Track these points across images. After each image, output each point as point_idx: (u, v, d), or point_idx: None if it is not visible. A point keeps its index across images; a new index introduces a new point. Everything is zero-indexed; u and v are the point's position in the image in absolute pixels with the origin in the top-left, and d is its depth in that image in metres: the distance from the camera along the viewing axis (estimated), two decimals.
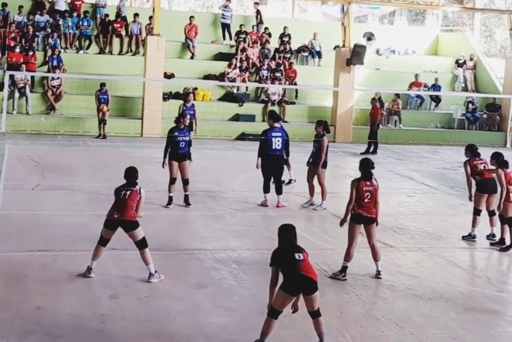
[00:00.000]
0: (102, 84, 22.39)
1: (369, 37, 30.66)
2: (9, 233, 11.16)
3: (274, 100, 25.97)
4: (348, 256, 9.91)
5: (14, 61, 23.93)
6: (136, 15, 27.13)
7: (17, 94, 23.30)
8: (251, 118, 25.33)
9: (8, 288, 8.78)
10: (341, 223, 10.08)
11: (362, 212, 9.81)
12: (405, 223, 13.41)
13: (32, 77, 24.11)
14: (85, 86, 24.63)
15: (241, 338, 7.73)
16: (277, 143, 14.23)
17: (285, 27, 28.91)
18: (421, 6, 32.31)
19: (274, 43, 28.69)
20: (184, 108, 18.55)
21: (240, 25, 28.73)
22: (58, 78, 23.85)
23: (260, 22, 29.45)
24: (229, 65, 26.45)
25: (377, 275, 9.98)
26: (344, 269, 9.89)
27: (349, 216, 9.93)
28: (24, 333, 7.47)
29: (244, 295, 9.01)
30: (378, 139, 23.04)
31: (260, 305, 8.58)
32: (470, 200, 12.48)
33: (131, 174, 9.47)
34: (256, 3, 30.65)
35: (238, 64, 26.69)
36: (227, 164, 18.90)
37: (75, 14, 26.85)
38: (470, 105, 28.12)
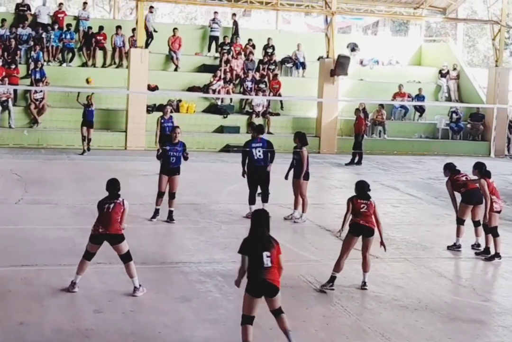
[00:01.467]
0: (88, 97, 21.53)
1: (353, 48, 30.81)
2: None
3: (259, 111, 26.01)
4: (338, 267, 9.84)
5: None
6: (118, 27, 27.12)
7: None
8: (235, 130, 25.33)
9: None
10: (339, 232, 10.04)
11: (359, 220, 9.76)
12: (390, 233, 13.38)
13: (15, 90, 24.04)
14: (69, 99, 24.53)
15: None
16: (258, 153, 14.17)
17: (269, 39, 29.02)
18: (404, 17, 32.52)
19: (258, 55, 28.75)
20: (162, 120, 18.46)
21: (224, 37, 28.80)
22: (41, 91, 23.78)
23: (235, 33, 29.40)
24: (213, 77, 26.47)
25: (363, 286, 9.92)
26: (332, 279, 9.83)
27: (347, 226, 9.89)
28: None
29: (230, 307, 8.96)
30: (362, 149, 23.08)
31: None
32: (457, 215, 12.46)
33: (113, 186, 9.40)
34: (234, 14, 30.68)
35: (222, 76, 26.72)
36: (212, 177, 18.86)
37: (57, 27, 26.80)
38: (454, 115, 28.26)
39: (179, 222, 13.57)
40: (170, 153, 13.35)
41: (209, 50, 29.24)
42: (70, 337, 7.79)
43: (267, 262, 7.34)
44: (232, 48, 28.49)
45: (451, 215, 15.48)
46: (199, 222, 13.76)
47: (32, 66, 24.93)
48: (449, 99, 30.62)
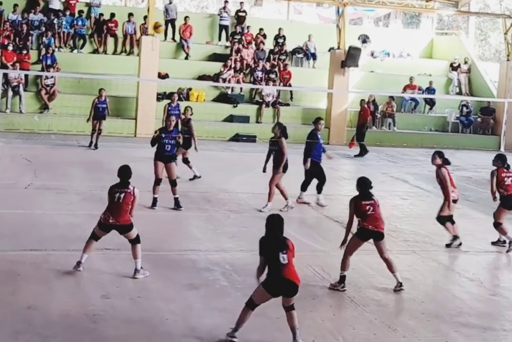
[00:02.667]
0: (101, 90, 20.61)
1: (364, 39, 30.67)
2: (1, 232, 11.10)
3: (269, 101, 25.96)
4: (344, 266, 9.57)
5: (7, 59, 23.87)
6: (130, 14, 27.08)
7: (10, 93, 23.24)
8: (245, 119, 25.30)
9: None
10: (342, 245, 9.69)
11: (367, 225, 9.46)
12: (398, 225, 13.39)
13: (26, 76, 24.04)
14: (79, 85, 24.61)
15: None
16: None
17: (280, 29, 28.91)
18: (416, 9, 32.33)
19: (269, 45, 28.68)
20: (169, 108, 18.60)
21: (235, 26, 28.73)
22: (52, 77, 23.79)
23: (238, 23, 29.15)
24: (224, 66, 26.43)
25: (398, 286, 9.53)
26: (342, 279, 9.55)
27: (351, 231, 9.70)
28: (15, 333, 7.42)
29: (237, 296, 8.97)
30: (365, 141, 22.87)
31: None
32: (494, 199, 12.27)
33: (125, 173, 9.40)
34: (241, 3, 30.47)
35: (232, 65, 26.68)
36: (220, 166, 18.85)
37: (69, 13, 26.78)
38: (464, 108, 28.16)
39: (187, 210, 13.59)
40: (165, 140, 13.38)
41: (219, 39, 29.17)
42: (77, 322, 7.82)
43: (283, 259, 7.44)
44: (243, 37, 28.42)
45: (459, 209, 15.47)
46: (207, 210, 13.77)
47: (43, 52, 24.90)
48: (459, 92, 30.50)
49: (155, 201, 13.52)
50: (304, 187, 14.83)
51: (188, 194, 14.59)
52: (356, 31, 30.92)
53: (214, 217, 13.27)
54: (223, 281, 9.54)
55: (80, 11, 27.14)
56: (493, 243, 12.37)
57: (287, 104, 26.79)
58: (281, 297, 7.58)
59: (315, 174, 14.67)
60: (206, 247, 11.20)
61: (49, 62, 24.45)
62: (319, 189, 14.73)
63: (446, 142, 26.49)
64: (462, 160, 23.59)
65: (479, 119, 28.18)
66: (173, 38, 27.72)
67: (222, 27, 29.06)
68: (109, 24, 26.90)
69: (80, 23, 26.73)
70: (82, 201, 13.61)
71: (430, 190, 17.57)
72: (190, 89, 25.60)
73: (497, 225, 12.12)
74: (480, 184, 18.93)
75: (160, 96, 24.51)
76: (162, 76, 25.27)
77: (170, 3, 28.03)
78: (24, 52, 24.32)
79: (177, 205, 13.55)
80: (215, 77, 26.41)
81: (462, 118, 28.04)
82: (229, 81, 26.13)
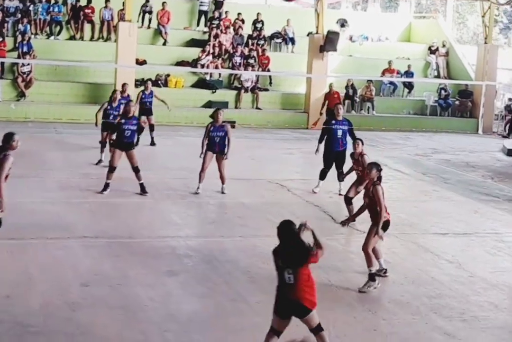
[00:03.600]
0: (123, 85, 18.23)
1: (342, 23, 30.64)
2: None
3: (247, 87, 25.90)
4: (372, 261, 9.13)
5: None
6: (107, 0, 26.82)
7: None
8: (224, 105, 25.15)
9: None
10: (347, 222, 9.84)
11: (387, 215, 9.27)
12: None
13: (2, 63, 23.82)
14: (56, 72, 24.41)
15: (212, 324, 7.70)
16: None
17: (258, 14, 28.77)
18: None
19: (247, 30, 28.56)
20: (143, 95, 18.70)
21: (213, 11, 28.58)
22: (28, 64, 23.57)
23: (216, 8, 28.99)
24: (202, 52, 26.31)
25: (382, 272, 9.48)
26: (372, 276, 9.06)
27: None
28: None
29: (217, 281, 8.98)
30: None
31: (233, 291, 8.60)
32: None
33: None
34: None
35: (211, 51, 26.56)
36: (199, 151, 18.76)
37: (45, 0, 26.51)
38: (442, 92, 28.23)
39: (166, 196, 13.55)
40: (125, 126, 13.21)
41: (198, 24, 28.99)
42: (57, 310, 7.79)
43: (289, 278, 6.49)
44: (221, 22, 28.29)
45: (438, 191, 15.61)
46: (186, 196, 13.72)
47: (19, 39, 24.63)
48: (438, 76, 30.56)
49: (106, 185, 13.23)
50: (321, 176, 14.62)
51: (167, 180, 14.56)
52: (335, 16, 30.88)
53: (193, 203, 13.25)
54: (202, 267, 9.54)
55: None
56: None
57: (266, 90, 26.73)
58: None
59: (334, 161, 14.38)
60: (186, 233, 11.19)
61: (25, 49, 24.23)
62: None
63: (424, 126, 26.62)
64: (440, 143, 23.72)
65: (457, 102, 28.26)
66: (148, 27, 27.50)
67: (202, 13, 28.89)
68: (86, 10, 26.66)
69: (56, 9, 26.46)
70: (60, 189, 13.52)
71: (409, 172, 17.65)
72: (168, 75, 25.49)
73: None
74: (459, 167, 19.05)
75: (138, 83, 24.32)
76: (140, 63, 25.12)
77: (146, 5, 27.65)
78: (0, 39, 24.07)
79: (142, 190, 13.40)
80: (194, 63, 26.29)
81: (441, 101, 28.12)
82: (207, 67, 26.03)
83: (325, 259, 9.95)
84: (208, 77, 26.28)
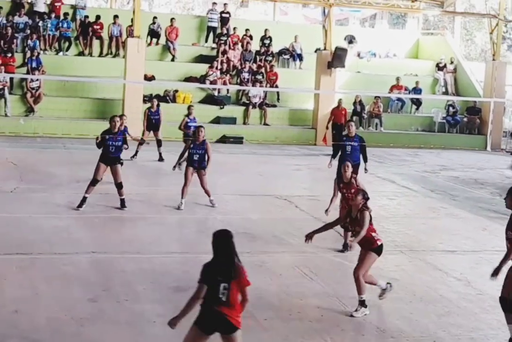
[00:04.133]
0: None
1: (350, 40, 30.73)
2: None
3: (255, 103, 25.96)
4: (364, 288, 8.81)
5: None
6: (116, 16, 27.01)
7: None
8: (232, 121, 25.29)
9: None
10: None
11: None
12: (385, 226, 13.38)
13: (11, 79, 23.93)
14: (65, 88, 24.54)
15: (220, 341, 7.65)
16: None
17: (266, 30, 28.91)
18: (402, 10, 32.40)
19: (255, 46, 28.67)
20: (149, 113, 18.89)
21: (221, 27, 28.71)
22: (37, 80, 23.68)
23: (223, 25, 29.09)
24: (210, 68, 26.40)
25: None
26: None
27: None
28: (1, 337, 7.36)
29: None
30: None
31: None
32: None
33: None
34: (225, 4, 30.37)
35: (219, 67, 26.66)
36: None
37: (54, 16, 26.68)
38: (450, 108, 28.25)
39: (174, 212, 13.55)
40: (109, 142, 13.15)
41: (206, 40, 29.14)
42: (65, 326, 7.77)
43: (222, 295, 6.14)
44: (229, 39, 28.41)
45: (446, 208, 15.57)
46: (195, 212, 13.73)
47: (28, 54, 24.79)
48: (446, 92, 30.59)
49: (84, 199, 13.12)
50: None
51: (175, 196, 14.54)
52: (342, 32, 31.00)
53: (201, 219, 13.24)
54: None
55: (65, 14, 27.02)
56: None
57: (274, 106, 26.79)
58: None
59: None
60: (193, 249, 11.15)
61: (34, 65, 24.36)
62: None
63: (432, 142, 26.60)
64: (449, 160, 23.69)
65: (465, 119, 28.27)
66: (157, 43, 27.60)
67: (210, 29, 29.02)
68: (95, 26, 26.83)
69: (65, 25, 26.62)
70: (68, 204, 13.52)
71: (417, 189, 17.61)
72: (176, 91, 25.57)
73: None
74: (467, 184, 19.01)
75: (147, 99, 24.43)
76: (148, 78, 25.21)
77: (154, 23, 27.79)
78: (9, 55, 24.21)
79: (122, 205, 13.31)
80: (202, 79, 26.37)
81: (449, 118, 28.12)
82: (215, 83, 26.11)
83: (332, 276, 9.99)
84: (216, 93, 26.36)
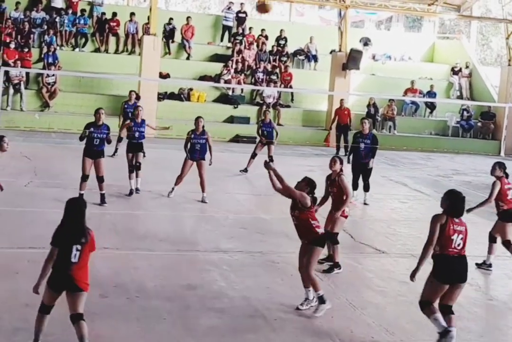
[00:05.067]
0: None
1: (366, 42, 30.71)
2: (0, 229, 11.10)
3: (269, 103, 25.97)
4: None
5: (9, 57, 23.87)
6: (132, 14, 27.09)
7: (11, 91, 23.27)
8: (245, 120, 25.31)
9: None
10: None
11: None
12: (397, 229, 13.38)
13: (27, 73, 24.06)
14: (80, 84, 24.65)
15: (229, 339, 7.69)
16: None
17: (281, 30, 28.94)
18: (418, 13, 32.35)
19: (270, 46, 28.68)
20: (126, 106, 18.64)
21: (237, 27, 28.74)
22: (53, 75, 23.80)
23: (239, 25, 29.10)
24: (225, 67, 26.43)
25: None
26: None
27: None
28: (13, 329, 7.42)
29: (235, 297, 8.96)
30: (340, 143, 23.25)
31: (251, 307, 8.58)
32: (467, 212, 10.60)
33: None
34: (242, 4, 30.37)
35: (233, 66, 26.69)
36: (220, 166, 18.76)
37: (71, 12, 26.79)
38: (465, 113, 28.18)
39: (185, 210, 13.59)
40: (93, 135, 13.13)
41: (221, 40, 29.19)
42: None
43: (74, 256, 6.75)
44: (245, 38, 28.44)
45: None
46: (206, 210, 13.76)
47: (45, 50, 24.92)
48: (460, 97, 30.52)
49: (81, 197, 12.99)
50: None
51: (186, 194, 14.59)
52: (358, 34, 30.98)
53: (213, 217, 13.26)
54: (220, 282, 9.53)
55: (82, 10, 27.17)
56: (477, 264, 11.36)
57: (288, 106, 26.80)
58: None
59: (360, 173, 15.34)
60: (204, 247, 11.19)
61: (50, 60, 24.48)
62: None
63: (446, 147, 26.53)
64: (462, 165, 23.63)
65: (479, 124, 28.20)
66: (172, 41, 27.59)
67: (226, 28, 29.06)
68: (111, 23, 26.94)
69: (82, 21, 26.77)
70: None
71: (429, 193, 17.57)
72: (191, 89, 25.64)
73: (508, 245, 11.18)
74: (480, 188, 18.91)
75: (161, 96, 24.51)
76: (164, 76, 25.27)
77: (170, 23, 27.77)
78: (26, 50, 24.36)
79: (102, 201, 13.29)
80: (216, 78, 26.41)
81: (463, 123, 28.05)
82: (230, 82, 26.14)
83: (343, 277, 9.99)
84: (230, 92, 26.41)
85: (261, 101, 26.14)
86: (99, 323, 7.77)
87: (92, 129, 13.12)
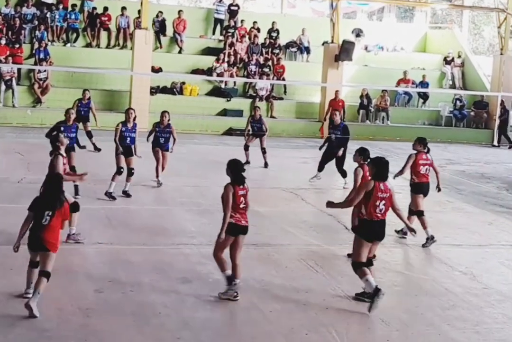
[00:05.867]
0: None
1: (358, 33, 30.68)
2: None
3: (262, 95, 25.96)
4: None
5: (0, 53, 23.80)
6: (123, 8, 27.01)
7: (3, 87, 23.22)
8: (238, 113, 25.28)
9: None
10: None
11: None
12: (392, 219, 13.30)
13: (19, 69, 23.99)
14: (72, 79, 24.56)
15: (225, 332, 7.71)
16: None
17: (273, 22, 28.90)
18: (410, 3, 32.36)
19: (262, 39, 28.64)
20: (79, 104, 18.63)
21: (228, 20, 28.68)
22: (45, 71, 23.74)
23: (232, 16, 29.00)
24: (217, 60, 26.39)
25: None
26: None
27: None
28: (9, 326, 7.42)
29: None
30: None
31: (246, 299, 8.59)
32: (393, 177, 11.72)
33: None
34: None
35: (226, 59, 26.64)
36: (214, 159, 18.80)
37: (62, 7, 26.70)
38: (457, 102, 28.20)
39: (180, 204, 13.58)
40: (65, 134, 13.01)
41: (213, 33, 29.12)
42: (71, 316, 7.81)
43: (45, 219, 7.87)
44: (237, 31, 28.38)
45: (453, 202, 15.58)
46: (201, 204, 13.75)
47: (36, 45, 24.85)
48: (453, 86, 30.54)
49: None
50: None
51: (181, 188, 14.59)
52: (350, 25, 30.95)
53: (207, 211, 13.24)
54: (216, 275, 9.50)
55: (73, 5, 27.07)
56: (396, 231, 12.05)
57: (281, 98, 26.80)
58: None
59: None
60: (199, 240, 11.19)
61: (42, 56, 24.41)
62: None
63: (439, 136, 26.48)
64: (455, 154, 23.66)
65: (472, 113, 28.22)
66: (164, 35, 27.53)
67: (217, 21, 29.00)
68: (102, 18, 26.87)
69: (73, 16, 26.69)
70: (75, 196, 13.53)
71: None
72: (183, 83, 25.60)
73: (421, 214, 11.82)
74: (474, 178, 19.00)
75: (154, 90, 24.47)
76: (156, 70, 25.23)
77: (158, 16, 27.59)
78: (17, 46, 24.27)
79: (75, 192, 13.28)
80: (209, 71, 26.38)
81: (456, 112, 28.08)
82: (222, 75, 26.11)
83: (338, 268, 10.01)
84: (223, 86, 26.38)
85: (254, 94, 26.12)
86: (94, 318, 7.79)
87: (62, 129, 13.43)
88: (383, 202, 8.71)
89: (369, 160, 9.20)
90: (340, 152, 15.98)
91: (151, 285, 8.98)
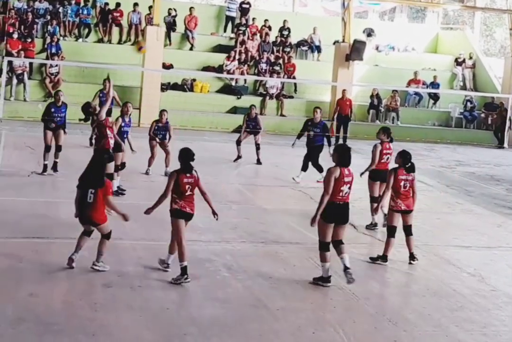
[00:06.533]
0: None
1: (369, 33, 30.61)
2: (4, 219, 11.11)
3: (272, 93, 25.95)
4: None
5: (12, 47, 23.86)
6: (135, 4, 27.03)
7: (15, 81, 23.26)
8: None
9: (1, 274, 8.74)
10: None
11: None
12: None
13: (31, 64, 24.04)
14: (83, 74, 24.61)
15: (233, 329, 7.71)
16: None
17: (284, 21, 28.87)
18: (422, 3, 32.28)
19: (273, 37, 28.62)
20: (101, 94, 18.68)
21: (240, 18, 28.68)
22: (56, 65, 23.79)
23: (242, 15, 29.02)
24: (228, 58, 26.39)
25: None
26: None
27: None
28: (17, 319, 7.43)
29: (238, 287, 8.99)
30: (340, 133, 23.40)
31: (254, 297, 8.61)
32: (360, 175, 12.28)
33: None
34: None
35: (237, 57, 26.64)
36: (223, 157, 18.84)
37: (74, 2, 26.74)
38: (468, 104, 28.12)
39: None
40: (55, 114, 15.11)
41: (225, 30, 29.12)
42: (79, 310, 7.83)
43: (90, 197, 8.77)
44: (248, 29, 28.38)
45: (462, 204, 15.56)
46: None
47: (48, 40, 24.91)
48: (464, 88, 30.46)
49: (45, 167, 14.75)
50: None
51: None
52: (361, 25, 30.89)
53: (216, 208, 13.23)
54: (224, 272, 9.55)
55: (86, 0, 27.08)
56: (366, 226, 12.44)
57: (291, 97, 26.78)
58: None
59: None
60: (208, 237, 11.21)
61: (53, 50, 24.47)
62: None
63: (449, 137, 26.50)
64: (465, 156, 23.62)
65: (482, 115, 28.14)
66: (174, 30, 27.52)
67: (229, 18, 29.00)
68: (114, 14, 26.88)
69: (85, 12, 26.71)
70: None
71: (432, 184, 17.58)
72: (194, 80, 25.62)
73: (374, 201, 12.11)
74: (483, 180, 18.96)
75: (164, 87, 24.49)
76: (167, 67, 25.25)
77: (169, 14, 27.54)
78: (29, 40, 24.32)
79: (53, 168, 14.90)
80: (220, 69, 26.38)
81: (466, 114, 28.01)
82: (233, 73, 26.11)
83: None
84: (233, 83, 26.37)
85: (264, 92, 26.11)
86: (102, 313, 7.80)
87: (53, 109, 15.04)
88: (348, 185, 9.21)
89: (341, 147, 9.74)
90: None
91: (159, 280, 9.00)
